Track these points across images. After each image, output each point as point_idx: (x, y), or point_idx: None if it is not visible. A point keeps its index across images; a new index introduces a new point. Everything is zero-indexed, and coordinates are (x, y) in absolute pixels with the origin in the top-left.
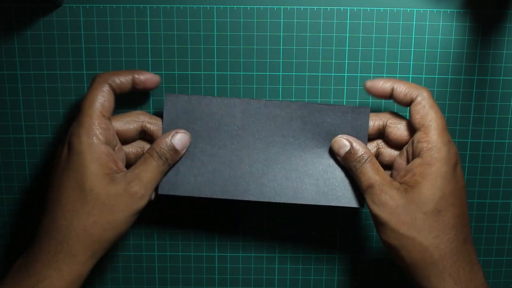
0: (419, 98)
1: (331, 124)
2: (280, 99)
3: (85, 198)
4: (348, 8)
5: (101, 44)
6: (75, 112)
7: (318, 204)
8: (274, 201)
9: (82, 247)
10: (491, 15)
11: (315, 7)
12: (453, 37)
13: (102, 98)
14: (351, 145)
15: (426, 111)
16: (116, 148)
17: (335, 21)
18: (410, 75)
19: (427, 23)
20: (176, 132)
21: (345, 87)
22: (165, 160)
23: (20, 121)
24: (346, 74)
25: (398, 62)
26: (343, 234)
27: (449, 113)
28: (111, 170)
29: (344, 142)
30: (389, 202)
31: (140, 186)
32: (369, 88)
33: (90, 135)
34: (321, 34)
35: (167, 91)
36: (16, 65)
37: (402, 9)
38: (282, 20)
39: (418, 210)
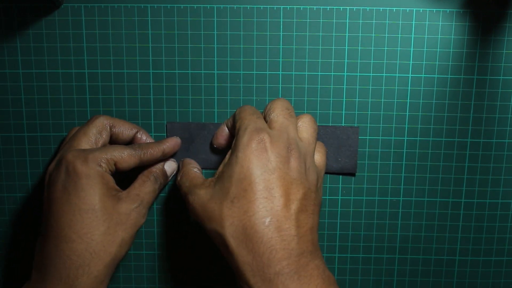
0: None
1: (324, 141)
2: None
3: (100, 219)
4: (348, 7)
5: (102, 43)
6: (73, 109)
7: None
8: None
9: (102, 267)
10: (490, 15)
11: (315, 7)
12: (452, 36)
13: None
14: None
15: (236, 122)
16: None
17: (334, 20)
18: (410, 75)
19: (427, 22)
20: (167, 160)
21: (345, 87)
22: (160, 184)
23: (21, 119)
24: (345, 74)
25: (398, 62)
26: (342, 234)
27: (448, 112)
28: (116, 191)
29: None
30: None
31: (143, 206)
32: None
33: (97, 163)
34: (321, 34)
35: (168, 91)
36: (18, 64)
37: (401, 8)
38: (281, 19)
39: (218, 201)
